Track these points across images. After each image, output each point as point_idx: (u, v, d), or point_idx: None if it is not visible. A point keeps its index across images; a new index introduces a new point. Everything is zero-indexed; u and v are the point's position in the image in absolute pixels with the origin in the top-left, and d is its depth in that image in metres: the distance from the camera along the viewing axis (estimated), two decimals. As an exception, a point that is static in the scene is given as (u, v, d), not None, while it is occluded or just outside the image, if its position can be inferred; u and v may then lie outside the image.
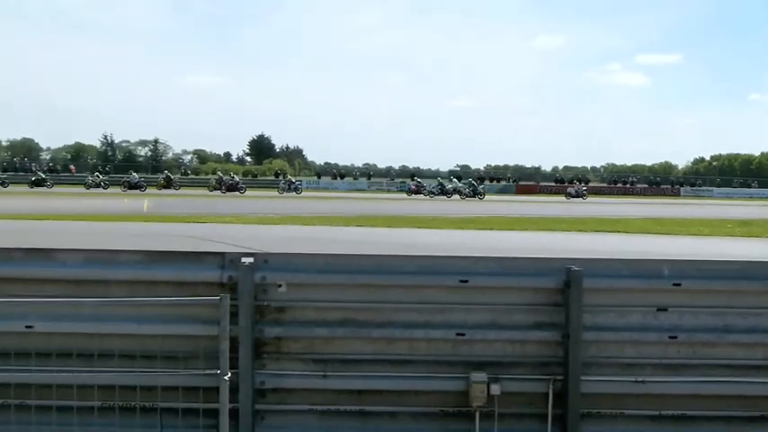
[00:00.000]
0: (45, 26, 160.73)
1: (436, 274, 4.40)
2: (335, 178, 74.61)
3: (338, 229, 20.09)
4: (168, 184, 56.87)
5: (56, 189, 51.21)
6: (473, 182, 53.41)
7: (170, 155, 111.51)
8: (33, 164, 73.23)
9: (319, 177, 75.50)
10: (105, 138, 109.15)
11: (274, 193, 52.38)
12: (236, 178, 55.85)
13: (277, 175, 72.46)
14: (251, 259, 4.29)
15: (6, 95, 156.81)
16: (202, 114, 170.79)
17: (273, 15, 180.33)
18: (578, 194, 54.84)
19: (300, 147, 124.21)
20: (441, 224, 22.82)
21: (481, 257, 4.52)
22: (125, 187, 52.22)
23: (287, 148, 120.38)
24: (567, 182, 74.98)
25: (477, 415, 4.36)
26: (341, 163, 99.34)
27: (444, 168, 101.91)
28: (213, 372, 4.04)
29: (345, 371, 4.38)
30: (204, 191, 53.47)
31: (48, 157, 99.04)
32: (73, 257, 4.35)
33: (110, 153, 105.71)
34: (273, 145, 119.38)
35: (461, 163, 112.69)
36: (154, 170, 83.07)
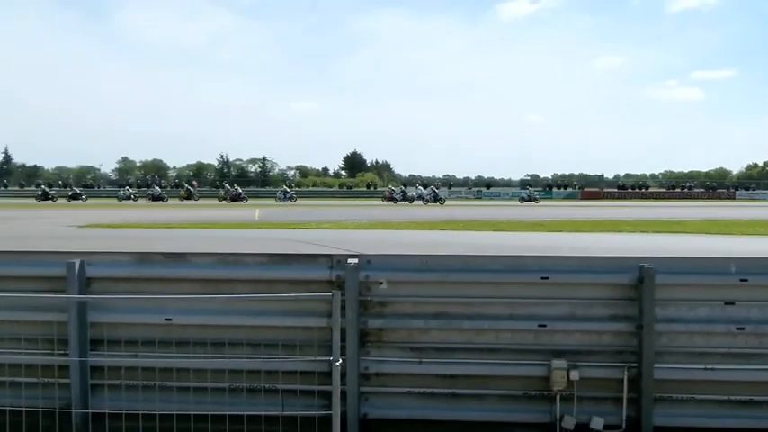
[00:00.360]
0: (174, 64, 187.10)
1: (520, 271, 4.92)
2: (419, 188, 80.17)
3: (424, 233, 21.35)
4: (189, 195, 62.61)
5: (172, 202, 55.88)
6: (434, 189, 56.90)
7: (276, 170, 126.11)
8: (162, 180, 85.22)
9: (405, 187, 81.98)
10: (222, 157, 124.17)
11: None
12: (240, 190, 61.28)
13: (368, 186, 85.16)
14: (356, 260, 4.89)
15: (140, 124, 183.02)
16: (304, 134, 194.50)
17: (365, 48, 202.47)
18: (530, 198, 58.23)
19: (389, 161, 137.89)
20: (516, 227, 23.77)
21: (561, 256, 5.00)
22: (149, 199, 57.53)
23: (377, 162, 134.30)
24: (628, 188, 79.62)
25: (558, 398, 4.87)
26: (424, 174, 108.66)
27: (516, 178, 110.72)
28: (326, 358, 4.65)
29: (439, 358, 4.94)
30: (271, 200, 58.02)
31: (173, 175, 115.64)
32: (204, 260, 5.05)
33: (225, 170, 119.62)
34: (365, 160, 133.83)
35: (531, 173, 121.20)
36: (262, 184, 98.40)
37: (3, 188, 77.67)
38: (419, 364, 4.94)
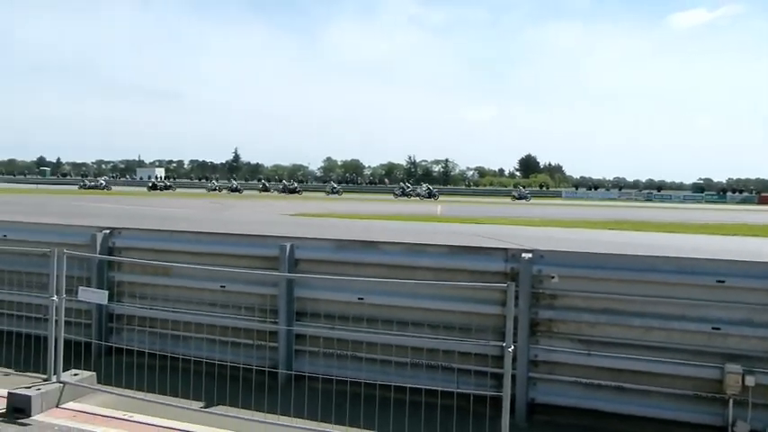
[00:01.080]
0: (370, 75, 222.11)
1: (694, 273, 5.01)
2: (590, 189, 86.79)
3: (593, 232, 21.80)
4: (265, 189, 75.50)
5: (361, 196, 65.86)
6: (429, 187, 68.64)
7: (456, 171, 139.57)
8: (358, 178, 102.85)
9: (576, 189, 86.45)
10: (409, 158, 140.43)
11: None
12: (295, 184, 77.04)
13: (541, 186, 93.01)
14: (530, 255, 5.28)
15: (342, 128, 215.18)
16: (483, 137, 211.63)
17: (540, 57, 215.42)
18: (521, 197, 65.77)
19: (561, 164, 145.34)
20: (685, 229, 23.23)
21: (738, 260, 5.01)
22: (229, 190, 71.98)
23: (549, 164, 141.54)
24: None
25: (731, 402, 4.88)
26: (595, 177, 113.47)
27: (688, 181, 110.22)
28: (499, 343, 5.08)
29: (607, 351, 5.17)
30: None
31: (368, 173, 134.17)
32: (393, 248, 5.72)
33: (412, 170, 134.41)
34: (538, 162, 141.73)
35: (705, 176, 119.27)
36: (444, 182, 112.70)
37: (233, 181, 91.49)
38: (587, 356, 5.19)
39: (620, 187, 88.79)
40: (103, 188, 70.36)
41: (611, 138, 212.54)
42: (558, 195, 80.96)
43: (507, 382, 4.49)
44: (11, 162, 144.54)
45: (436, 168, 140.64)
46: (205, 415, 4.90)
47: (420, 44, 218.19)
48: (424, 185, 70.56)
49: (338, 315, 5.69)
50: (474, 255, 5.51)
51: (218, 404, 5.16)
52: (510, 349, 4.61)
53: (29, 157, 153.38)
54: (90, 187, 71.34)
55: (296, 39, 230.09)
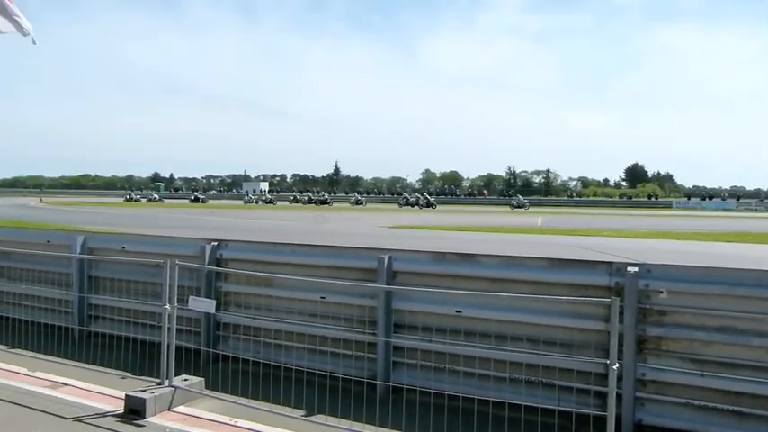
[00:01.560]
0: (469, 86, 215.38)
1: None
2: (704, 199, 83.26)
3: (707, 244, 20.95)
4: (296, 200, 79.46)
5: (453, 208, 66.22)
6: (427, 197, 71.73)
7: (558, 181, 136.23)
8: (457, 189, 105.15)
9: (689, 198, 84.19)
10: (509, 168, 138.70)
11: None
12: (326, 195, 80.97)
13: (650, 196, 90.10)
14: (636, 268, 5.06)
15: (440, 139, 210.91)
16: (587, 147, 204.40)
17: (648, 62, 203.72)
18: (520, 206, 66.94)
19: (671, 172, 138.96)
20: None
21: None
22: (264, 201, 77.00)
23: (659, 173, 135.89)
24: None
25: None
26: (709, 185, 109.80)
27: None
28: (602, 361, 4.88)
29: (722, 372, 4.85)
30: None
31: (467, 185, 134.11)
32: (491, 261, 5.66)
33: (512, 180, 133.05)
34: (646, 171, 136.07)
35: None
36: (545, 194, 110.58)
37: (333, 194, 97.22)
38: (700, 377, 4.90)
39: (737, 197, 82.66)
40: (158, 201, 78.35)
41: (726, 144, 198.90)
42: (668, 206, 77.19)
43: (612, 401, 4.33)
44: (129, 178, 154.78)
45: (537, 179, 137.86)
46: (306, 423, 5.01)
47: (521, 53, 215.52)
48: (423, 195, 75.27)
49: (436, 327, 5.68)
50: (575, 268, 5.34)
51: (318, 413, 5.26)
52: (615, 367, 4.44)
53: (145, 173, 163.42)
54: (134, 200, 78.57)
55: (396, 52, 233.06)
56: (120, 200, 78.56)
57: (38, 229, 12.14)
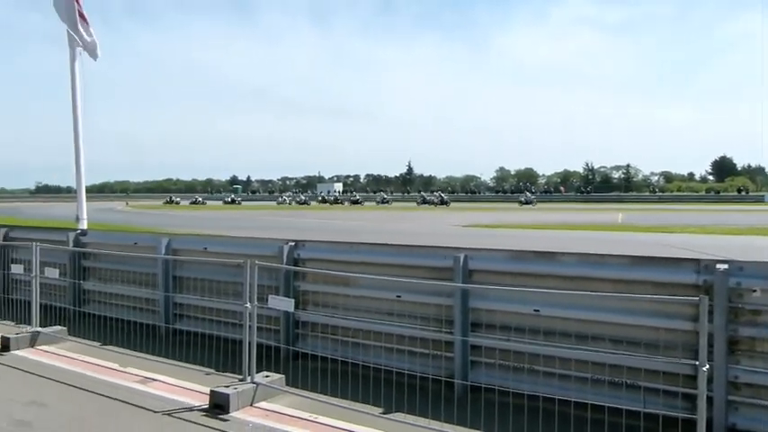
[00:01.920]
0: (544, 80, 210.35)
1: None
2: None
3: None
4: (324, 200, 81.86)
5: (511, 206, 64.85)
6: (441, 194, 77.36)
7: (639, 176, 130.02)
8: (532, 186, 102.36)
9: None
10: (587, 164, 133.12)
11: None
12: (357, 195, 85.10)
13: (740, 190, 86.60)
14: (725, 266, 4.83)
15: (514, 136, 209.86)
16: (670, 140, 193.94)
17: (735, 52, 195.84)
18: (528, 202, 68.41)
19: (762, 165, 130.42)
20: None
21: None
22: (297, 202, 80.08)
23: (749, 166, 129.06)
24: None
25: None
26: None
27: None
28: (691, 362, 4.67)
29: (824, 376, 4.57)
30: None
31: (543, 182, 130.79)
32: (570, 259, 5.53)
33: (590, 177, 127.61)
34: (735, 164, 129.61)
35: None
36: (626, 189, 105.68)
37: (405, 194, 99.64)
38: (800, 381, 4.63)
39: (837, 190, 78.17)
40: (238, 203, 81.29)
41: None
42: (760, 200, 72.99)
43: (702, 404, 4.16)
44: (208, 181, 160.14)
45: (616, 175, 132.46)
46: (384, 421, 5.04)
47: (597, 45, 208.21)
48: (437, 193, 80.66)
49: (514, 327, 5.60)
50: (660, 266, 5.14)
51: (396, 411, 5.28)
52: (704, 368, 4.26)
53: (223, 176, 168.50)
54: (174, 202, 79.98)
55: (468, 50, 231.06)
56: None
57: (125, 232, 12.72)
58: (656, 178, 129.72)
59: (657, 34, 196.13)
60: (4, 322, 8.90)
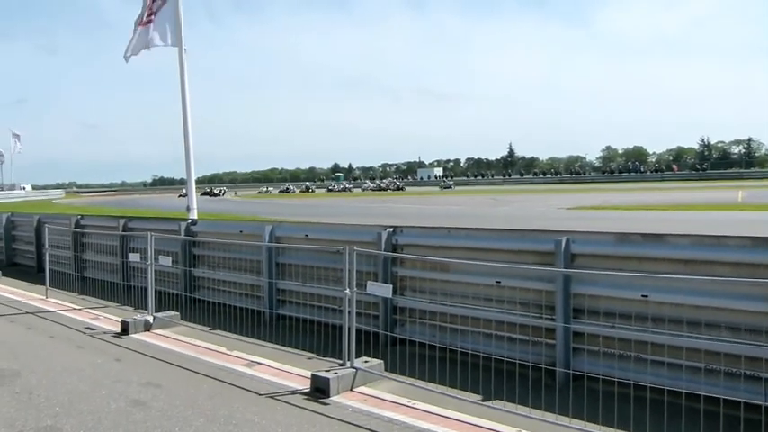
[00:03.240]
0: (652, 52, 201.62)
1: None
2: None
3: None
4: (379, 188, 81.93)
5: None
6: (445, 179, 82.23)
7: (763, 151, 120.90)
8: (641, 166, 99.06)
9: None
10: (702, 140, 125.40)
11: None
12: (398, 183, 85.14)
13: None
14: None
15: (622, 114, 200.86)
16: None
17: None
18: (447, 186, 74.39)
19: None
20: None
21: None
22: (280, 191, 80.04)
23: None
24: None
25: None
26: None
27: None
28: (820, 351, 4.30)
29: None
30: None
31: (653, 160, 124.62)
32: (681, 241, 5.20)
33: (706, 153, 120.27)
34: None
35: None
36: (747, 165, 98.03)
37: (507, 176, 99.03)
38: None
39: None
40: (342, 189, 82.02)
41: None
42: None
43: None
44: (311, 170, 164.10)
45: (736, 150, 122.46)
46: (483, 408, 4.95)
47: (713, 10, 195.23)
48: (445, 178, 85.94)
49: (619, 313, 5.34)
50: (786, 247, 4.72)
51: (495, 398, 5.19)
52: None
53: (326, 164, 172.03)
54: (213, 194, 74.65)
55: (570, 25, 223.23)
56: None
57: (232, 221, 13.25)
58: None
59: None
60: (125, 307, 9.51)
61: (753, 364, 4.71)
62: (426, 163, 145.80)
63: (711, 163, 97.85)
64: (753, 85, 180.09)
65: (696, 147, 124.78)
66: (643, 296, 5.24)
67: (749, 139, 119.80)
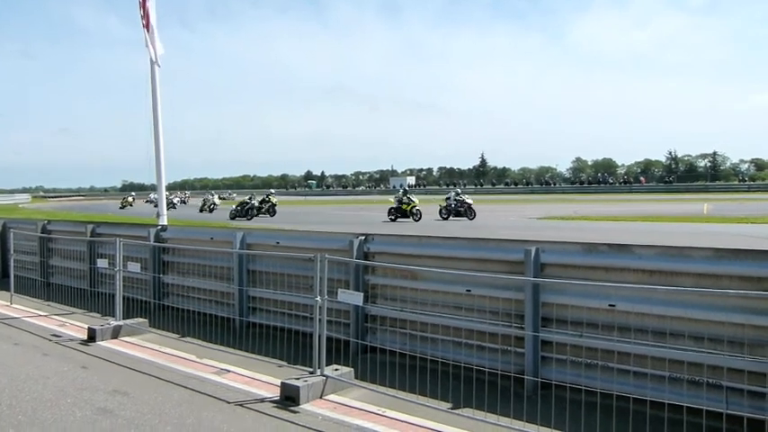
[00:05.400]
0: (623, 68, 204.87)
1: None
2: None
3: None
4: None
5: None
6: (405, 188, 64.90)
7: (727, 164, 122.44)
8: (610, 177, 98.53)
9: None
10: (670, 153, 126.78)
11: None
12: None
13: None
14: (818, 258, 4.52)
15: (591, 126, 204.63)
16: (763, 127, 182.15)
17: None
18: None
19: None
20: None
21: None
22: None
23: None
24: None
25: None
26: None
27: None
28: (779, 361, 4.42)
29: None
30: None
31: (622, 172, 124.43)
32: (647, 252, 5.30)
33: (673, 166, 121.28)
34: None
35: None
36: (712, 179, 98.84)
37: (478, 186, 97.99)
38: None
39: None
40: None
41: None
42: None
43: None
44: (283, 177, 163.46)
45: (702, 163, 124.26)
46: (453, 416, 4.99)
47: (681, 29, 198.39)
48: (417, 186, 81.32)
49: (587, 322, 5.43)
50: (747, 259, 4.83)
51: (465, 406, 5.23)
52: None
53: (298, 172, 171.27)
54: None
55: (544, 38, 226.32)
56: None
57: (202, 227, 13.14)
58: (746, 166, 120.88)
59: (745, 13, 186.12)
60: (92, 314, 9.38)
61: (715, 373, 4.82)
62: (399, 171, 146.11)
63: (678, 176, 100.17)
64: (718, 101, 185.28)
65: (663, 159, 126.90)
66: (610, 306, 5.33)
67: (714, 153, 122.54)
